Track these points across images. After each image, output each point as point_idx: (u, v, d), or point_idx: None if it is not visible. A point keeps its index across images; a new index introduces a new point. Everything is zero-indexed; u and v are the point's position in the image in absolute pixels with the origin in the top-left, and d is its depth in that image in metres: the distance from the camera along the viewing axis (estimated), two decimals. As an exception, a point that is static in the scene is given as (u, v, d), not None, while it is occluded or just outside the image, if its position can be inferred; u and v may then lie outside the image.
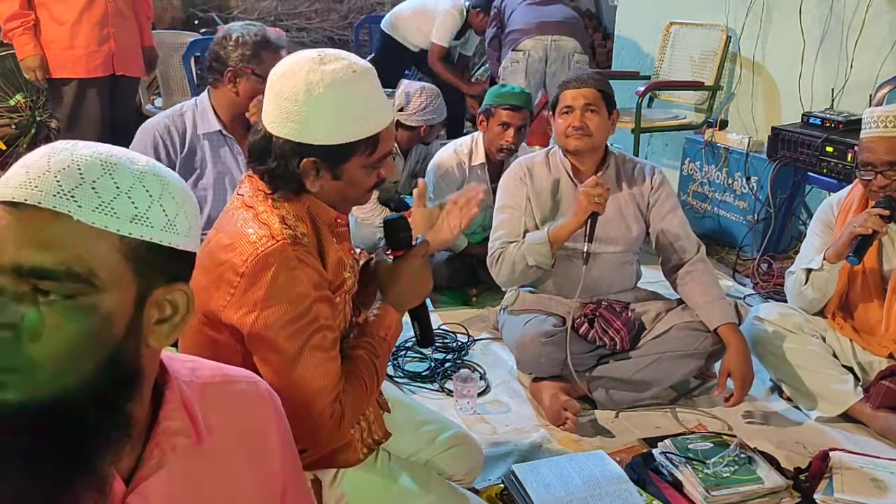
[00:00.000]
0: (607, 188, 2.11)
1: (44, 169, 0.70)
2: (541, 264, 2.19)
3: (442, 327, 2.73)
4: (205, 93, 2.27)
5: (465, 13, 4.50)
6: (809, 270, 2.20)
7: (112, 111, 3.49)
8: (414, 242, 1.46)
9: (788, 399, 2.32)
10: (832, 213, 2.29)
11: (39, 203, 0.68)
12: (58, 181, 0.70)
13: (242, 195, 1.31)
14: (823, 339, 2.26)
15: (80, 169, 0.71)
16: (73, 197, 0.70)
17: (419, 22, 4.58)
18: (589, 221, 2.10)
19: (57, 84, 3.36)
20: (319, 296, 1.25)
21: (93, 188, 0.71)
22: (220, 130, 2.24)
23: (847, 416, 2.19)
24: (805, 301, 2.27)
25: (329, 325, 1.28)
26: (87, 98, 3.37)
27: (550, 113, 2.32)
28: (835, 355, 2.24)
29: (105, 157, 0.74)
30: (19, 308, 0.68)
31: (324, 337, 1.26)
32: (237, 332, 1.25)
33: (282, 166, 1.25)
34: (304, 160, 1.24)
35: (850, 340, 2.24)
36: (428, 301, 1.52)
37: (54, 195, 0.69)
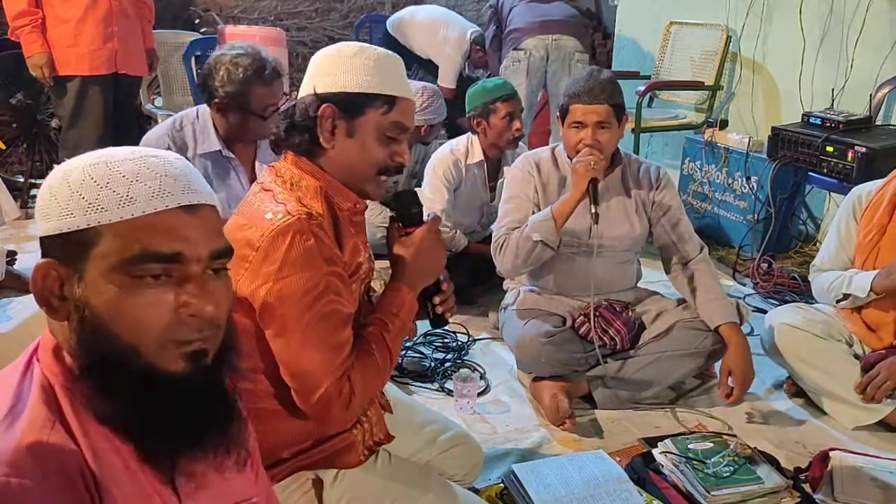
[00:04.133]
0: (598, 150, 2.10)
1: (179, 173, 0.81)
2: (547, 240, 2.12)
3: (442, 327, 2.72)
4: (206, 105, 2.22)
5: (467, 52, 4.71)
6: (848, 294, 2.15)
7: (114, 109, 3.49)
8: (426, 218, 1.43)
9: (794, 396, 2.33)
10: (860, 205, 2.22)
11: (208, 202, 0.83)
12: (199, 180, 0.83)
13: (262, 182, 1.35)
14: (850, 345, 2.23)
15: (188, 167, 0.84)
16: (208, 191, 0.84)
17: (425, 37, 4.78)
18: (590, 187, 2.08)
19: (60, 81, 3.36)
20: (332, 271, 1.26)
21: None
22: (219, 151, 2.21)
23: (883, 425, 2.14)
24: (834, 305, 2.24)
25: (341, 301, 1.27)
26: (89, 95, 3.38)
27: (558, 116, 2.25)
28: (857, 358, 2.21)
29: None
30: (220, 282, 0.84)
31: (334, 311, 1.26)
32: (251, 311, 1.25)
33: (301, 114, 1.33)
34: (323, 106, 1.30)
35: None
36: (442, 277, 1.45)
37: (209, 193, 0.84)
